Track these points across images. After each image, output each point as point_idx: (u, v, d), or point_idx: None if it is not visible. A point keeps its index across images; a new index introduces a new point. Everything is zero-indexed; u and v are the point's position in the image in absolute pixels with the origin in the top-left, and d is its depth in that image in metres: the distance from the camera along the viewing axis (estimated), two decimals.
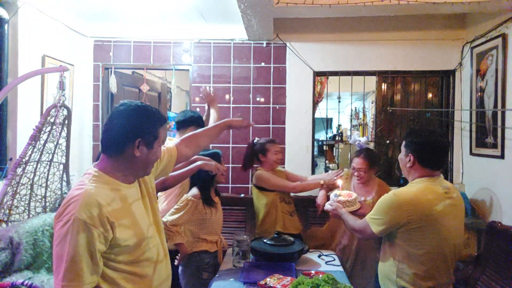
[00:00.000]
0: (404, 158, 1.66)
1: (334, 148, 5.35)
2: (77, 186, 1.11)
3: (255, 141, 2.64)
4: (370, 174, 2.47)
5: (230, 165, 3.49)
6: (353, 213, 1.85)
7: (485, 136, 2.94)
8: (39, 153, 2.37)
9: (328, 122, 4.39)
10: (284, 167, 3.13)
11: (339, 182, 2.16)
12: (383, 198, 1.59)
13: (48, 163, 2.49)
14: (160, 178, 1.86)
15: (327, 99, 3.92)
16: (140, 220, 1.20)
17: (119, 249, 1.12)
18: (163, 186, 1.95)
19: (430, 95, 3.53)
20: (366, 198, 2.40)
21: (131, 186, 1.22)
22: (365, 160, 2.44)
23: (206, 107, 2.86)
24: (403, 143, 1.68)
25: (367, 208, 1.90)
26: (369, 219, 1.61)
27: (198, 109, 3.54)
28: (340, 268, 2.04)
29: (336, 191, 1.99)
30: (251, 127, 3.49)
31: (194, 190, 2.09)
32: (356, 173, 2.45)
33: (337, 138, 5.45)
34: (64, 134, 2.55)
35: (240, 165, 2.73)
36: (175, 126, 2.50)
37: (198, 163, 1.95)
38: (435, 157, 1.60)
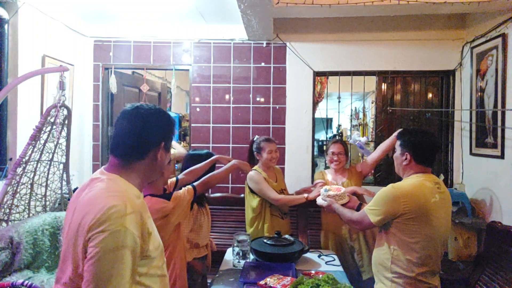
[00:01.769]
0: (400, 156, 1.78)
1: None
2: (107, 194, 0.96)
3: (255, 138, 2.65)
4: (346, 159, 2.63)
5: None
6: (343, 206, 1.99)
7: (485, 136, 2.94)
8: (39, 152, 2.38)
9: (328, 122, 4.39)
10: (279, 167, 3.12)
11: (329, 176, 2.27)
12: (381, 190, 1.70)
13: (48, 162, 2.50)
14: (202, 179, 1.90)
15: (327, 99, 3.93)
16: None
17: (147, 261, 1.01)
18: (206, 187, 1.90)
19: (430, 95, 3.53)
20: (342, 180, 2.57)
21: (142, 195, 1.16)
22: (342, 144, 2.62)
23: None
24: (398, 142, 1.81)
25: (355, 200, 2.07)
26: (367, 210, 1.71)
27: (198, 109, 3.55)
28: (340, 268, 2.04)
29: (325, 186, 2.10)
30: (250, 128, 3.50)
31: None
32: (335, 158, 2.56)
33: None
34: (64, 134, 2.56)
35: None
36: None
37: (234, 161, 2.08)
38: (429, 155, 1.74)
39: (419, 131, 1.82)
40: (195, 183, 1.83)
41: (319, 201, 2.07)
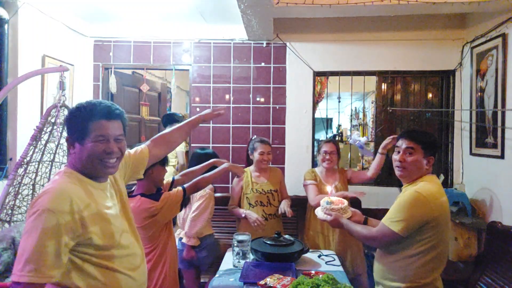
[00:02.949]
0: (422, 160, 1.62)
1: None
2: (49, 182, 1.15)
3: (252, 138, 2.67)
4: (337, 159, 2.63)
5: None
6: None
7: (485, 136, 2.94)
8: (41, 153, 2.38)
9: (328, 122, 4.39)
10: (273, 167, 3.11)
11: (329, 188, 2.06)
12: (404, 197, 1.55)
13: (50, 163, 2.50)
14: (192, 181, 1.97)
15: (327, 99, 3.93)
16: (112, 223, 1.19)
17: (88, 248, 1.11)
18: (196, 188, 1.99)
19: (430, 95, 3.53)
20: (334, 183, 2.55)
21: (101, 187, 1.23)
22: (334, 144, 2.62)
23: None
24: (420, 145, 1.63)
25: (360, 215, 1.85)
26: (388, 222, 1.55)
27: (198, 109, 3.55)
28: (340, 268, 2.05)
29: (327, 198, 1.88)
30: (250, 128, 3.50)
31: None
32: (327, 157, 2.56)
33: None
34: (65, 134, 2.56)
35: (240, 165, 2.74)
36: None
37: (225, 165, 2.14)
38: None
39: (431, 133, 1.77)
40: (185, 185, 1.92)
41: (320, 215, 1.84)
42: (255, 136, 2.67)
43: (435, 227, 1.52)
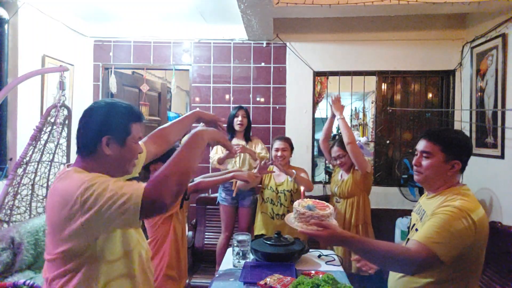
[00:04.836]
0: (443, 164, 1.35)
1: None
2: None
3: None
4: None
5: None
6: None
7: (485, 136, 2.94)
8: (40, 153, 2.38)
9: None
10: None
11: (302, 187, 1.69)
12: (445, 215, 1.23)
13: (49, 163, 2.50)
14: (192, 183, 1.98)
15: (327, 99, 3.92)
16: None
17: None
18: (196, 189, 2.02)
19: (430, 95, 3.53)
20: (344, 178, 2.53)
21: None
22: (341, 147, 2.56)
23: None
24: (439, 147, 1.36)
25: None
26: (431, 243, 1.18)
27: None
28: (340, 268, 2.04)
29: (305, 201, 1.45)
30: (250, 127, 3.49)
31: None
32: (339, 161, 2.58)
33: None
34: (64, 134, 2.56)
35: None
36: None
37: (232, 174, 2.16)
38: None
39: (460, 132, 1.47)
40: (189, 184, 1.93)
41: (297, 225, 1.35)
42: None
43: (480, 250, 1.29)
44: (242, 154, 2.87)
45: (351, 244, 1.25)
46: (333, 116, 2.73)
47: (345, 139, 2.48)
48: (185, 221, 2.17)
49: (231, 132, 2.92)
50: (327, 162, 2.76)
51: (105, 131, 1.09)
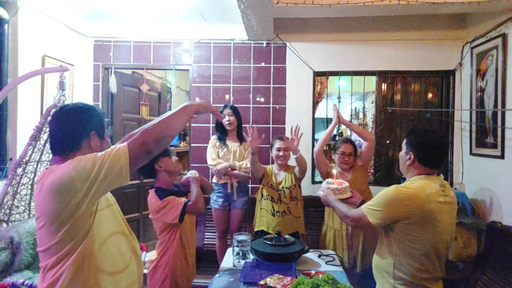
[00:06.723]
0: (404, 155, 1.68)
1: None
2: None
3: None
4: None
5: None
6: (344, 201, 1.84)
7: (485, 136, 2.94)
8: (40, 153, 2.38)
9: (328, 122, 4.38)
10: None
11: (334, 171, 2.15)
12: (384, 191, 1.60)
13: (49, 163, 2.50)
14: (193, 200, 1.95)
15: (327, 99, 3.92)
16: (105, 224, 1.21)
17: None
18: (195, 209, 1.92)
19: (430, 95, 3.53)
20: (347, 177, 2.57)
21: None
22: (352, 145, 2.61)
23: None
24: (405, 141, 1.70)
25: (359, 197, 1.90)
26: (366, 210, 1.62)
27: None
28: (340, 268, 2.04)
29: (328, 179, 1.97)
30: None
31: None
32: (345, 158, 2.57)
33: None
34: None
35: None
36: None
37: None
38: (434, 157, 1.63)
39: (428, 130, 1.69)
40: (190, 202, 1.89)
41: (319, 193, 1.94)
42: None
43: (413, 227, 1.53)
44: (237, 153, 2.87)
45: (329, 204, 1.84)
46: (335, 123, 2.74)
47: (367, 135, 2.62)
48: (194, 227, 2.14)
49: (224, 133, 2.89)
50: (327, 162, 2.74)
51: (90, 127, 1.23)
